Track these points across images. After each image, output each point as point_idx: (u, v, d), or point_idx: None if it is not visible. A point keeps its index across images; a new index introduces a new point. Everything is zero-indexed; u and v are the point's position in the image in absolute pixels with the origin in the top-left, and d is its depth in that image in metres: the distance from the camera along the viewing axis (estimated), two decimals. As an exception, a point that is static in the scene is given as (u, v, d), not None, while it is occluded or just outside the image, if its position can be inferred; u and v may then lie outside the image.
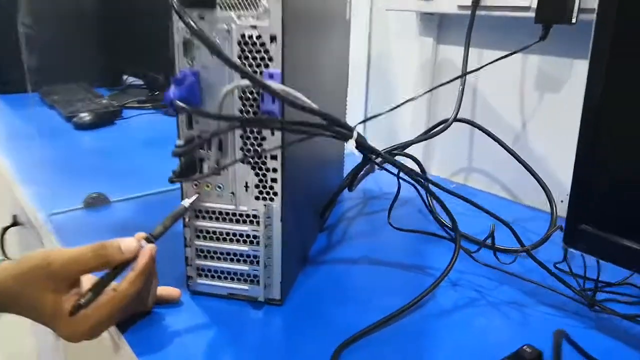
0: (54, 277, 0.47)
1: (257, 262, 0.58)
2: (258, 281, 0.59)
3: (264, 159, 0.54)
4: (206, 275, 0.60)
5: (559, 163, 0.88)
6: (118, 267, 0.50)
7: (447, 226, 0.81)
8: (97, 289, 0.49)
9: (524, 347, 0.48)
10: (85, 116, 1.33)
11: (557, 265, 0.65)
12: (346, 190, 0.85)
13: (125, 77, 1.83)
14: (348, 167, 0.82)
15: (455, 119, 0.82)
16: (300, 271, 0.67)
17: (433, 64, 1.04)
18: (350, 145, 0.54)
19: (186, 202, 0.55)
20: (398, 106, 0.70)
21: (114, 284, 0.50)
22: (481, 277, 0.68)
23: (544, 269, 0.61)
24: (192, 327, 0.55)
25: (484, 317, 0.59)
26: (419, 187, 0.78)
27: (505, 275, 0.68)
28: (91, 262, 0.48)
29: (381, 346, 0.53)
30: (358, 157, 0.58)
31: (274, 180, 0.55)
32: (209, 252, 0.59)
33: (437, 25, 1.02)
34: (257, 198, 0.56)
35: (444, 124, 0.83)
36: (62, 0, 1.72)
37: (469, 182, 1.03)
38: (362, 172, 0.80)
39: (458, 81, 0.99)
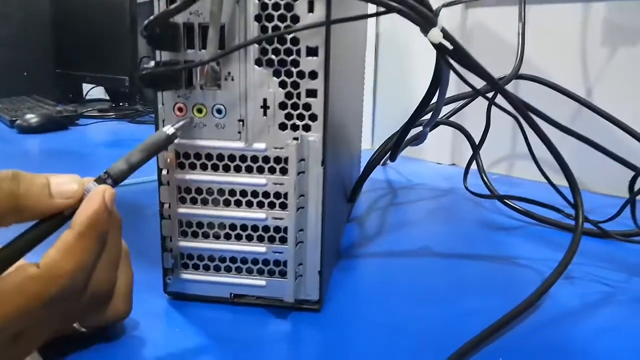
0: None
1: (283, 239, 0.35)
2: (283, 271, 0.36)
3: (295, 55, 0.32)
4: (195, 266, 0.37)
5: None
6: (45, 223, 0.27)
7: (519, 210, 0.60)
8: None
9: None
10: (32, 118, 1.09)
11: None
12: (367, 181, 0.64)
13: (87, 89, 1.60)
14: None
15: (517, 75, 0.63)
16: (334, 266, 0.45)
17: (462, 32, 0.85)
18: (432, 36, 0.33)
19: (169, 128, 0.32)
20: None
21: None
22: (599, 267, 0.46)
23: None
24: (174, 354, 0.32)
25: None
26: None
27: (631, 265, 0.47)
28: None
29: (507, 367, 0.31)
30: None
31: (311, 93, 0.33)
32: (200, 225, 0.36)
33: (465, -16, 0.84)
34: (282, 127, 0.34)
35: (501, 81, 0.63)
36: (9, 11, 1.52)
37: (514, 173, 0.83)
38: (408, 139, 0.59)
39: (489, 47, 0.81)
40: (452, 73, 0.39)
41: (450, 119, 0.72)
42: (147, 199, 0.61)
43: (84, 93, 1.61)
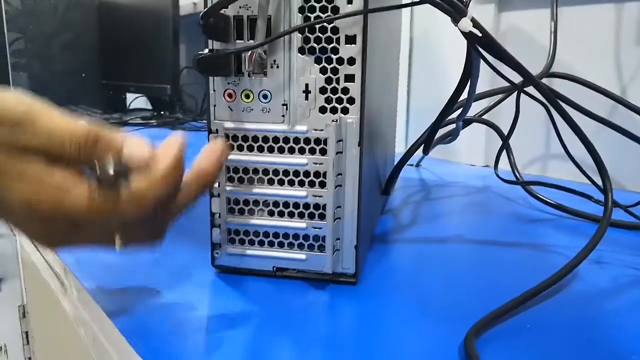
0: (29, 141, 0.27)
1: (322, 216, 0.38)
2: (322, 246, 0.39)
3: (335, 43, 0.35)
4: (242, 241, 0.40)
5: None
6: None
7: (552, 204, 0.61)
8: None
9: None
10: (81, 123, 1.15)
11: None
12: (399, 178, 0.67)
13: (130, 100, 1.68)
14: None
15: (549, 73, 0.64)
16: (368, 249, 0.47)
17: (495, 35, 0.87)
18: (462, 25, 0.36)
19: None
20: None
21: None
22: (629, 255, 0.47)
23: None
24: (222, 322, 0.35)
25: (669, 298, 0.39)
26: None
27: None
28: (69, 147, 0.28)
29: (530, 334, 0.33)
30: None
31: (349, 78, 0.36)
32: (246, 203, 0.39)
33: (497, -12, 0.86)
34: (322, 110, 0.37)
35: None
36: (57, 23, 1.60)
37: (547, 173, 0.84)
38: (441, 135, 0.61)
39: (523, 50, 0.83)
40: (482, 70, 0.41)
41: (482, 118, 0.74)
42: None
43: (128, 103, 1.68)
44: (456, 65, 0.45)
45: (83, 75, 1.61)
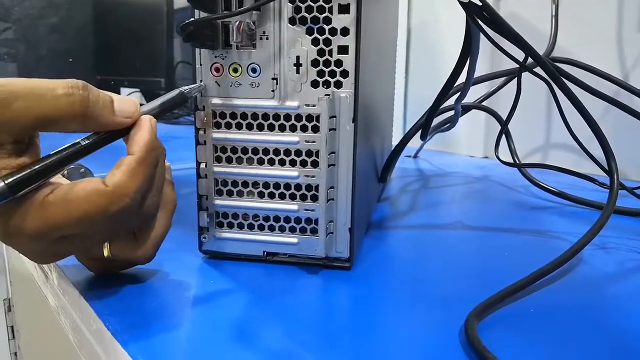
0: None
1: (315, 197, 0.36)
2: (315, 229, 0.37)
3: (327, 12, 0.33)
4: (230, 225, 0.38)
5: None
6: (102, 135, 0.30)
7: (554, 192, 0.59)
8: (60, 157, 0.28)
9: None
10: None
11: None
12: (397, 168, 0.65)
13: (126, 94, 1.66)
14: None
15: (550, 58, 0.62)
16: (364, 234, 0.45)
17: (493, 23, 0.85)
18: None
19: (184, 88, 0.34)
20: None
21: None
22: (635, 240, 0.46)
23: None
24: (209, 308, 0.33)
25: (679, 282, 0.37)
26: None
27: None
28: (58, 105, 0.26)
29: (534, 318, 0.31)
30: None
31: (342, 50, 0.34)
32: (235, 184, 0.37)
33: (497, -25, 0.84)
34: (314, 84, 0.35)
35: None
36: (50, 19, 1.58)
37: (549, 163, 0.82)
38: (439, 122, 0.60)
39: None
40: (481, 55, 0.39)
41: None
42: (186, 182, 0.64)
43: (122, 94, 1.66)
44: (454, 59, 0.43)
45: (70, 60, 1.57)
